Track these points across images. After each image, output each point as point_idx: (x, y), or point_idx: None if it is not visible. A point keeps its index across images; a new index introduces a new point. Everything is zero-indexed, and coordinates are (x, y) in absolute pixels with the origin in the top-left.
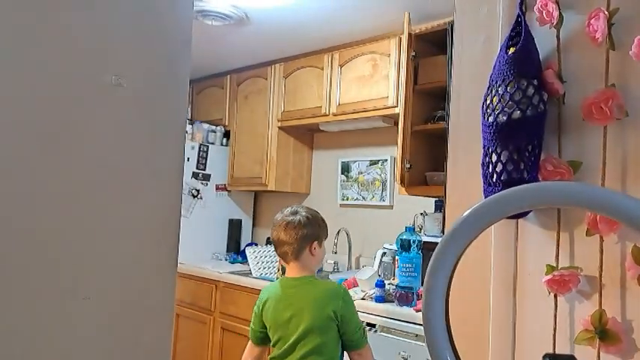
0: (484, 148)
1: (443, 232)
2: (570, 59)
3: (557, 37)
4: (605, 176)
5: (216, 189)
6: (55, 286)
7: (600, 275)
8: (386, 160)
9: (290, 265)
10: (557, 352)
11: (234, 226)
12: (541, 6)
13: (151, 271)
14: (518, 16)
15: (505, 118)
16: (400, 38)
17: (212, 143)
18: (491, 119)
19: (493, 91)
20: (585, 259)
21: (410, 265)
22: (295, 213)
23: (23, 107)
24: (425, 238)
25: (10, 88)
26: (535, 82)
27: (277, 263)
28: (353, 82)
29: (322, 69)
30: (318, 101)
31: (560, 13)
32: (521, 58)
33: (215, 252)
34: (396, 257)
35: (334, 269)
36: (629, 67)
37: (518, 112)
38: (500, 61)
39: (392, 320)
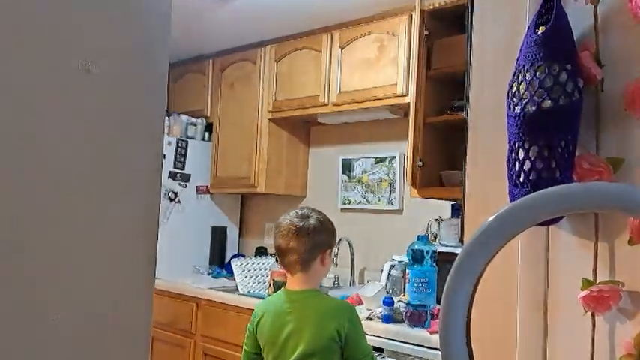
0: (509, 143)
1: (461, 241)
2: (610, 40)
3: (595, 14)
4: None
5: (197, 191)
6: (12, 308)
7: None
8: (394, 158)
9: (295, 276)
10: None
11: (218, 235)
12: None
13: (125, 289)
14: None
15: (534, 108)
16: (411, 15)
17: (192, 138)
18: (517, 110)
19: (520, 77)
20: (628, 273)
21: (423, 280)
22: (306, 217)
23: None
24: (440, 248)
25: None
26: (568, 66)
27: (268, 278)
28: (356, 66)
29: (320, 51)
30: (316, 89)
31: None
32: (553, 39)
33: (196, 265)
34: (407, 270)
35: (334, 284)
36: None
37: (549, 101)
38: (528, 43)
39: (402, 343)
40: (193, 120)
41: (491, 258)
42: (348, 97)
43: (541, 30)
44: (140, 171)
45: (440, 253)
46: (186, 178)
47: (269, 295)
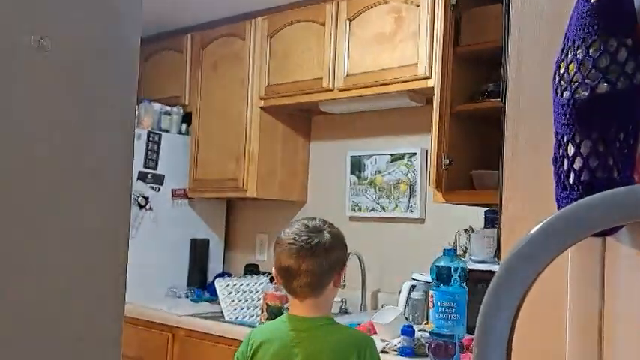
0: (556, 136)
1: (497, 255)
2: None
3: None
4: None
5: (173, 196)
6: None
7: None
8: (415, 155)
9: (304, 302)
10: None
11: (199, 250)
12: None
13: (87, 318)
14: None
15: (586, 93)
16: None
17: (166, 131)
18: (566, 95)
19: (569, 56)
20: None
21: (450, 304)
22: (319, 230)
23: None
24: (471, 265)
25: None
26: (628, 41)
27: (262, 302)
28: (368, 42)
29: (323, 24)
30: (318, 70)
31: None
32: (610, 9)
33: (171, 286)
34: (431, 292)
35: (341, 310)
36: None
37: (605, 84)
38: (579, 13)
39: None
40: (168, 109)
41: (536, 277)
42: (357, 80)
43: None
44: (105, 171)
45: (471, 270)
46: (159, 180)
47: (262, 323)
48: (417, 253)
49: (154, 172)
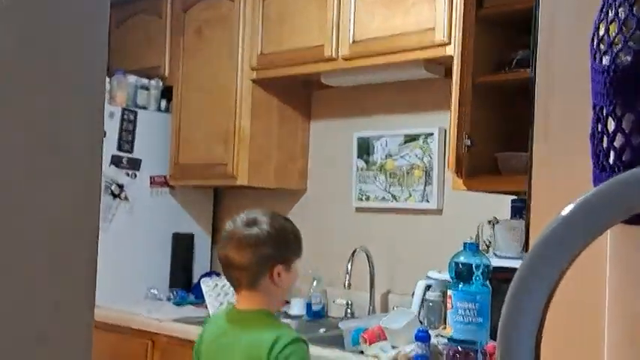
0: (594, 109)
1: (525, 250)
2: None
3: None
4: None
5: (152, 184)
6: None
7: None
8: (431, 135)
9: (239, 294)
10: None
11: (182, 246)
12: None
13: (50, 324)
14: None
15: (629, 58)
16: None
17: (143, 108)
18: (606, 61)
19: (610, 14)
20: None
21: (471, 306)
22: (254, 222)
23: None
24: (496, 262)
25: None
26: None
27: None
28: (377, 4)
29: None
30: (319, 37)
31: None
32: None
33: (151, 287)
34: (449, 293)
35: (346, 314)
36: None
37: None
38: None
39: None
40: (145, 82)
41: (567, 266)
42: (364, 48)
43: None
44: (68, 153)
45: (495, 268)
46: (135, 165)
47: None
48: (433, 249)
49: (129, 155)
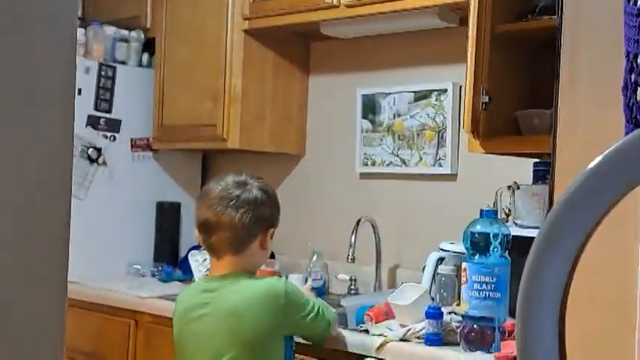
0: (627, 57)
1: None
2: None
3: None
4: None
5: (133, 147)
6: None
7: None
8: (445, 92)
9: (222, 260)
10: None
11: (168, 216)
12: None
13: (20, 303)
14: None
15: None
16: None
17: (123, 62)
18: None
19: None
20: None
21: (489, 279)
22: (244, 184)
23: None
24: (516, 231)
25: None
26: None
27: None
28: None
29: None
30: None
31: None
32: None
33: (133, 262)
34: (464, 265)
35: (350, 290)
36: None
37: None
38: None
39: None
40: (124, 33)
41: (593, 227)
42: None
43: None
44: (36, 112)
45: (515, 238)
46: (114, 127)
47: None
48: (446, 218)
49: (107, 116)
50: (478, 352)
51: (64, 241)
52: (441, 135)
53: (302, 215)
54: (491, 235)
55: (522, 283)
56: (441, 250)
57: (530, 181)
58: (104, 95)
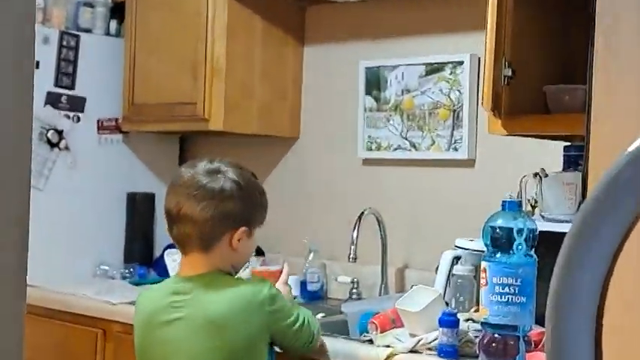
0: None
1: None
2: None
3: None
4: None
5: (100, 129)
6: None
7: None
8: (461, 64)
9: (189, 257)
10: None
11: (141, 209)
12: None
13: None
14: None
15: None
16: None
17: (87, 30)
18: None
19: None
20: None
21: (512, 281)
22: (216, 172)
23: None
24: (544, 226)
25: None
26: None
27: None
28: None
29: None
30: None
31: None
32: None
33: (101, 263)
34: (483, 265)
35: (352, 294)
36: None
37: None
38: None
39: None
40: None
41: (635, 221)
42: None
43: None
44: None
45: (542, 233)
46: (78, 106)
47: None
48: (463, 210)
49: (69, 93)
50: None
51: (22, 239)
52: (456, 114)
53: (296, 208)
54: (514, 231)
55: (552, 286)
56: (457, 247)
57: (560, 167)
58: (66, 69)
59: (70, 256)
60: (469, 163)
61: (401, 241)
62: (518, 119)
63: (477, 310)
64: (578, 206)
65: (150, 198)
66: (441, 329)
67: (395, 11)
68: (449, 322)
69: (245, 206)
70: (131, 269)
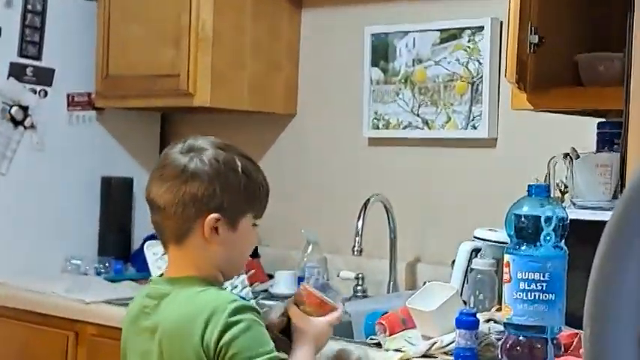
0: None
1: (617, 197)
2: None
3: None
4: None
5: (70, 105)
6: None
7: None
8: (480, 30)
9: (168, 252)
10: None
11: (117, 195)
12: None
13: None
14: None
15: None
16: None
17: None
18: None
19: None
20: None
21: (540, 277)
22: (195, 150)
23: None
24: (575, 214)
25: None
26: None
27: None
28: None
29: None
30: None
31: None
32: None
33: (72, 256)
34: (507, 259)
35: (356, 291)
36: None
37: None
38: None
39: None
40: None
41: None
42: None
43: None
44: None
45: (573, 222)
46: (45, 79)
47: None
48: (483, 196)
49: (36, 63)
50: None
51: None
52: (475, 87)
53: (293, 194)
54: (542, 219)
55: (592, 283)
56: (476, 239)
57: (594, 147)
58: (31, 37)
59: (36, 249)
60: (490, 142)
61: (412, 232)
62: (546, 93)
63: (498, 310)
64: (615, 191)
65: (127, 183)
66: (458, 331)
67: None
68: (467, 322)
69: (214, 189)
70: (106, 264)
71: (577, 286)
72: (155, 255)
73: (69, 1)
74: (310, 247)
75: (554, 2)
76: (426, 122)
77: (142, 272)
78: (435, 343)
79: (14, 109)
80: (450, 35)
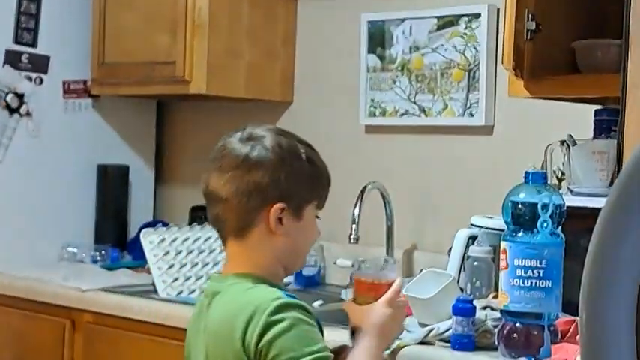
0: None
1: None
2: None
3: None
4: None
5: (66, 92)
6: None
7: None
8: (477, 17)
9: (226, 247)
10: None
11: (113, 184)
12: None
13: None
14: None
15: None
16: None
17: None
18: None
19: None
20: None
21: (536, 264)
22: (251, 138)
23: None
24: (572, 201)
25: None
26: None
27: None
28: None
29: None
30: None
31: None
32: None
33: (68, 244)
34: (503, 246)
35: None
36: None
37: None
38: None
39: None
40: None
41: None
42: None
43: None
44: None
45: (570, 209)
46: (41, 66)
47: None
48: (479, 184)
49: (31, 51)
50: (522, 359)
51: None
52: (472, 74)
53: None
54: (539, 206)
55: (588, 263)
56: (473, 226)
57: (591, 134)
58: (26, 23)
59: (33, 237)
60: (487, 129)
61: (409, 220)
62: (543, 80)
63: (495, 297)
64: (611, 179)
65: (123, 171)
66: (454, 318)
67: None
68: (464, 309)
69: (279, 176)
70: (102, 251)
71: (573, 272)
72: (151, 243)
73: None
74: None
75: None
76: (422, 110)
77: (138, 260)
78: (431, 330)
79: (10, 97)
80: (446, 22)
